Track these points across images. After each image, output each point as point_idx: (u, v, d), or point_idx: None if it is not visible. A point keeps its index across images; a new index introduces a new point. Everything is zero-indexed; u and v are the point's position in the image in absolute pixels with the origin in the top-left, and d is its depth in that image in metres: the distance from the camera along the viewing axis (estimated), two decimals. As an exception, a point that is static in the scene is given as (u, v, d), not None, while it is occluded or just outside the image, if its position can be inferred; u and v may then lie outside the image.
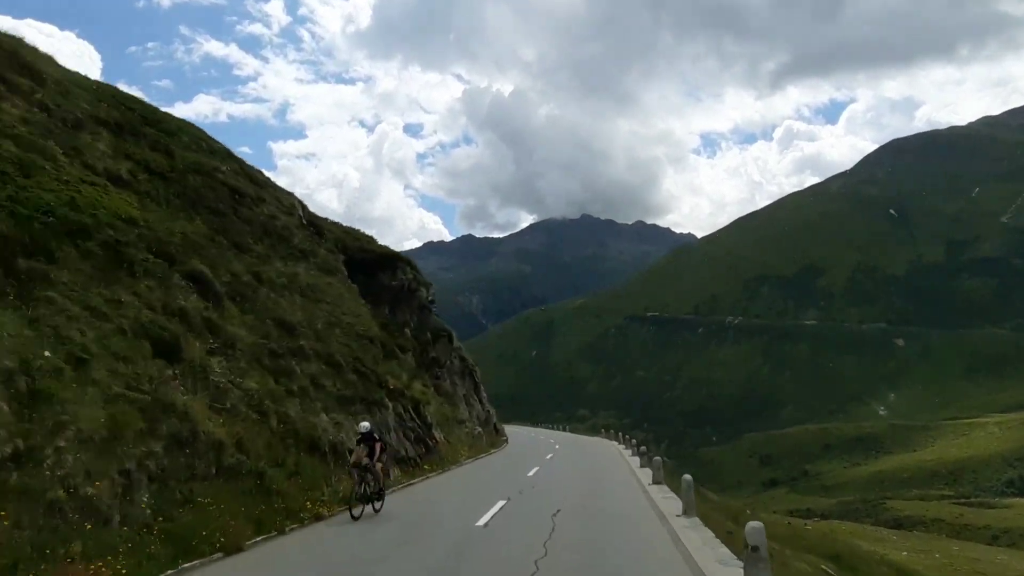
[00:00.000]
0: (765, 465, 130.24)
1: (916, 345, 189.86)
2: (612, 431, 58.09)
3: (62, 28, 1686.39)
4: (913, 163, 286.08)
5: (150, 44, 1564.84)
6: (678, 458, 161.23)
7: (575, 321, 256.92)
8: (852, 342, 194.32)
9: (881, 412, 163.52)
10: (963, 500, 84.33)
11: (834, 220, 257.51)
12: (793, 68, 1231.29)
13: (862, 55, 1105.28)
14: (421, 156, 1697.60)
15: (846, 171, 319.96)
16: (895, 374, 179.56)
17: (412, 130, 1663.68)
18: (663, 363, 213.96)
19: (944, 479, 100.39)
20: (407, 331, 35.87)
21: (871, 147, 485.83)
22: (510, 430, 73.50)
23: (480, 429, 38.92)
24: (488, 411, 48.21)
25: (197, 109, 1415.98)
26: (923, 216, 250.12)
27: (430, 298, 43.66)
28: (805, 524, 47.18)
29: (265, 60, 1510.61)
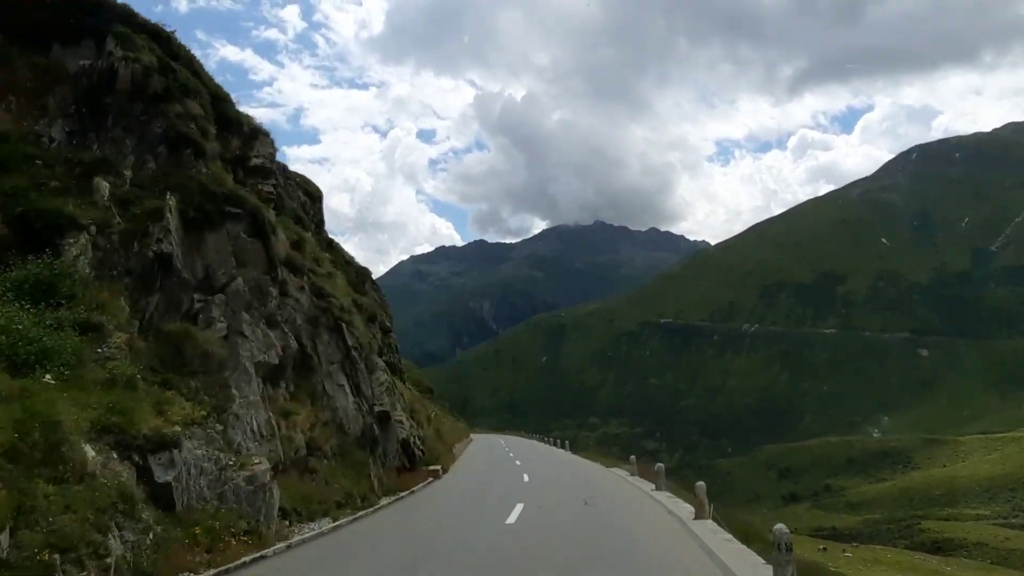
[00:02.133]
0: (784, 479, 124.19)
1: (941, 355, 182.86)
2: (657, 467, 22.59)
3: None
4: (936, 169, 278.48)
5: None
6: (692, 469, 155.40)
7: (587, 327, 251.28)
8: (874, 352, 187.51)
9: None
10: (1003, 521, 78.28)
11: (854, 227, 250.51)
12: (811, 73, 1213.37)
13: (882, 61, 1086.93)
14: (434, 161, 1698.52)
15: (866, 177, 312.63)
16: (919, 385, 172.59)
17: (425, 136, 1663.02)
18: (677, 371, 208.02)
19: (979, 497, 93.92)
20: (102, 185, 14.94)
21: (887, 156, 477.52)
22: (489, 443, 58.68)
23: (274, 463, 14.63)
24: (387, 412, 22.72)
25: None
26: (947, 223, 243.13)
27: (259, 157, 21.89)
28: (843, 551, 41.75)
29: (280, 65, 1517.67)
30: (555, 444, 56.16)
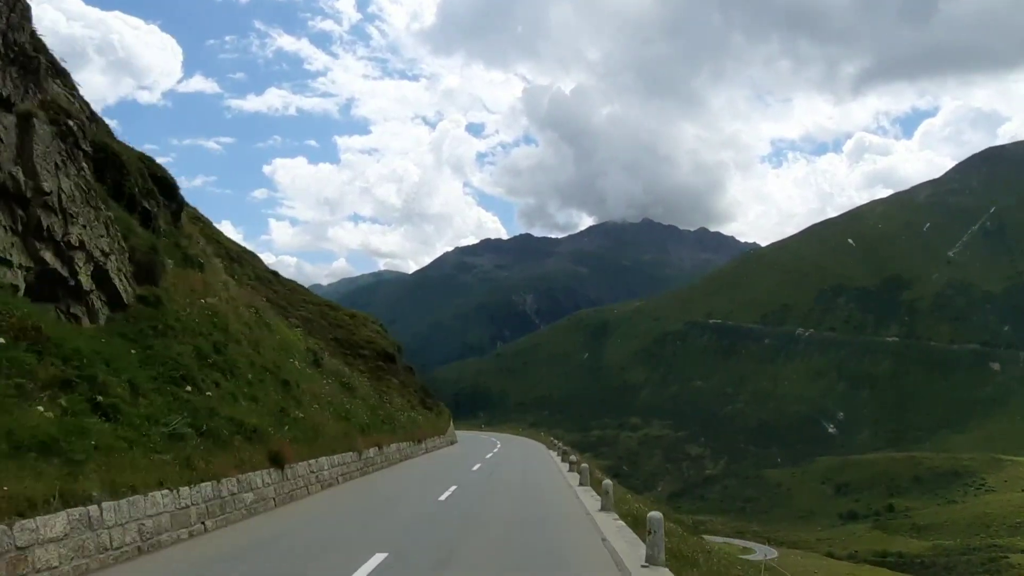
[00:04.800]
0: (841, 495, 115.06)
1: (1015, 370, 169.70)
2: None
3: (147, 21, 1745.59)
4: (1011, 174, 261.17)
5: (227, 37, 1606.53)
6: (738, 478, 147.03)
7: (631, 324, 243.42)
8: (941, 363, 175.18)
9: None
10: (1102, 559, 69.04)
11: (921, 231, 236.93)
12: (876, 72, 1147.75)
13: (953, 60, 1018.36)
14: (482, 155, 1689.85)
15: (934, 179, 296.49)
16: (990, 401, 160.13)
17: (474, 129, 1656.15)
18: (724, 373, 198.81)
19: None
20: None
21: (949, 163, 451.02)
22: (440, 465, 28.70)
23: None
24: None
25: (268, 102, 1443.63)
26: (1023, 230, 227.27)
27: None
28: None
29: (335, 56, 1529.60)
30: (568, 457, 28.81)
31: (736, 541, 68.66)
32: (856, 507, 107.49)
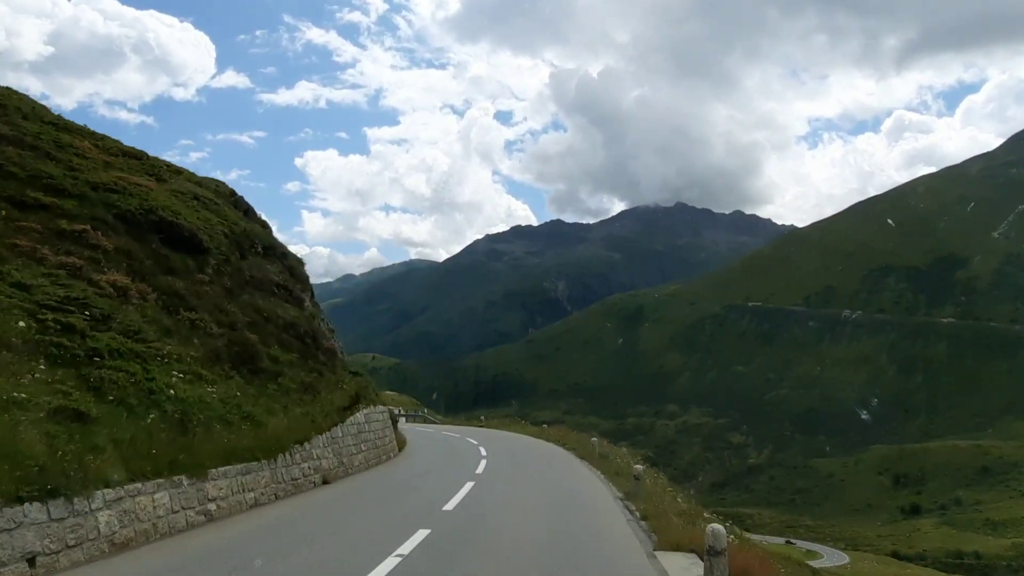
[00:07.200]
0: (901, 487, 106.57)
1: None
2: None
3: (181, 19, 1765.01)
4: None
5: (257, 32, 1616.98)
6: (784, 468, 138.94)
7: (667, 309, 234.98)
8: (1002, 344, 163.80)
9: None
10: None
11: (976, 205, 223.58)
12: (921, 44, 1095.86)
13: (1003, 28, 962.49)
14: (511, 142, 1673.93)
15: (986, 152, 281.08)
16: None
17: (502, 117, 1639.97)
18: (766, 358, 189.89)
19: None
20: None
21: (995, 140, 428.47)
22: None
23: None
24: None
25: (299, 95, 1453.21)
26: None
27: None
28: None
29: (363, 47, 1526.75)
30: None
31: (798, 543, 61.45)
32: (919, 500, 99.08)
